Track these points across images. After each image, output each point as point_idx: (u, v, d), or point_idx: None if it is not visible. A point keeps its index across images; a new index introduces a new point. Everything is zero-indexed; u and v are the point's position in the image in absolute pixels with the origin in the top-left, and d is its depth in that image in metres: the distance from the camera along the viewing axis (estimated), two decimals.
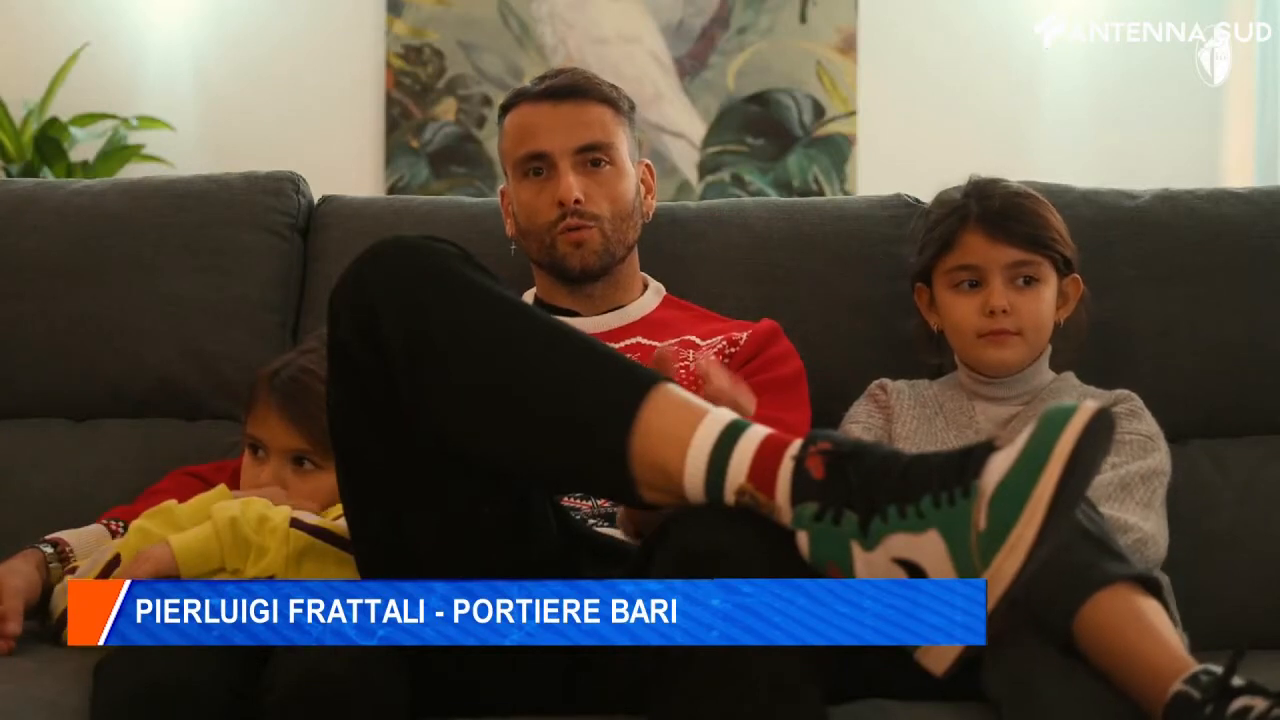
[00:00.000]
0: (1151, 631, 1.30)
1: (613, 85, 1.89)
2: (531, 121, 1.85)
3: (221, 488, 1.58)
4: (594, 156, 1.84)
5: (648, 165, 1.94)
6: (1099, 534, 1.37)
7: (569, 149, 1.82)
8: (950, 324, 1.82)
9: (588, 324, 1.84)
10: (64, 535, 1.63)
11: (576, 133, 1.83)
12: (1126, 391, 1.80)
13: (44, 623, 1.56)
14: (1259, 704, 1.19)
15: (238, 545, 1.47)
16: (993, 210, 1.77)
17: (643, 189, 1.91)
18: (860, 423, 1.82)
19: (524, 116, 1.86)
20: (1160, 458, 1.73)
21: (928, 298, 1.85)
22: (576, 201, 1.80)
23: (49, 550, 1.60)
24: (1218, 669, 1.24)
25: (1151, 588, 1.35)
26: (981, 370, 1.80)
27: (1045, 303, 1.78)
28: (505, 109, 1.90)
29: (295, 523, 1.50)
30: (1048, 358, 1.83)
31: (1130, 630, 1.30)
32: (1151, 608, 1.33)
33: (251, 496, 1.55)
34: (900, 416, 1.81)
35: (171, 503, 1.55)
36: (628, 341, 1.82)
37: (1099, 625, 1.31)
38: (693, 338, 1.82)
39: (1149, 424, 1.77)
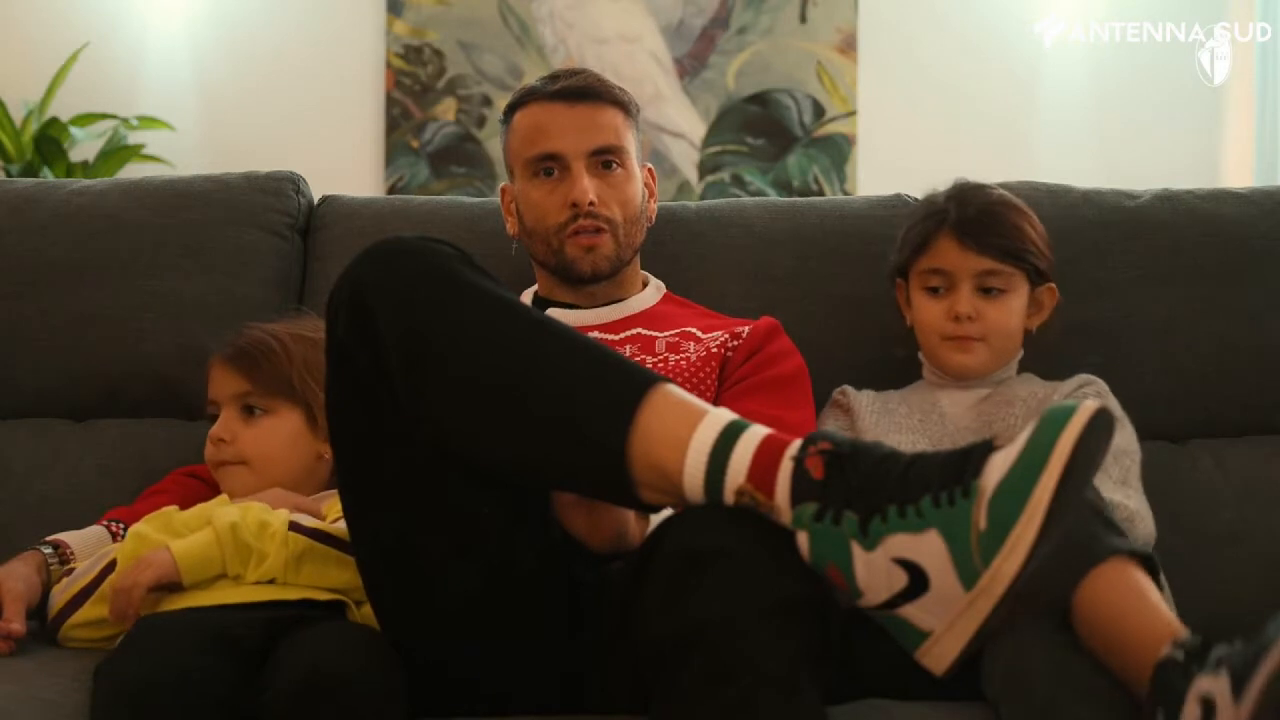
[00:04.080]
0: (1149, 604, 1.30)
1: (621, 88, 1.88)
2: (544, 121, 1.83)
3: (223, 496, 1.58)
4: (606, 159, 1.83)
5: (650, 169, 1.94)
6: (1099, 509, 1.38)
7: (583, 151, 1.82)
8: (918, 324, 1.84)
9: (588, 316, 1.84)
10: (64, 537, 1.63)
11: (591, 135, 1.82)
12: (1089, 376, 1.82)
13: (44, 624, 1.56)
14: (1236, 645, 1.19)
15: (239, 551, 1.47)
16: (968, 218, 1.79)
17: (646, 192, 1.91)
18: (828, 426, 1.84)
19: (536, 116, 1.85)
20: (1127, 437, 1.75)
21: (905, 294, 1.87)
22: (590, 204, 1.80)
23: (49, 551, 1.60)
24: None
25: (1149, 565, 1.35)
26: (946, 372, 1.82)
27: (1012, 312, 1.79)
28: (513, 108, 1.89)
29: (294, 526, 1.50)
30: (1017, 362, 1.84)
31: (1130, 602, 1.30)
32: (1149, 584, 1.33)
33: (251, 502, 1.55)
34: (861, 414, 1.83)
35: (172, 509, 1.55)
36: (628, 333, 1.82)
37: (1098, 597, 1.31)
38: (693, 330, 1.81)
39: (1114, 406, 1.78)
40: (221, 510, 1.51)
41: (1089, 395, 1.76)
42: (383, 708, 1.31)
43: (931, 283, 1.81)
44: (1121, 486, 1.68)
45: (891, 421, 1.81)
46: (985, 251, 1.77)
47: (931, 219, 1.82)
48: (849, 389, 1.88)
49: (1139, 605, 1.31)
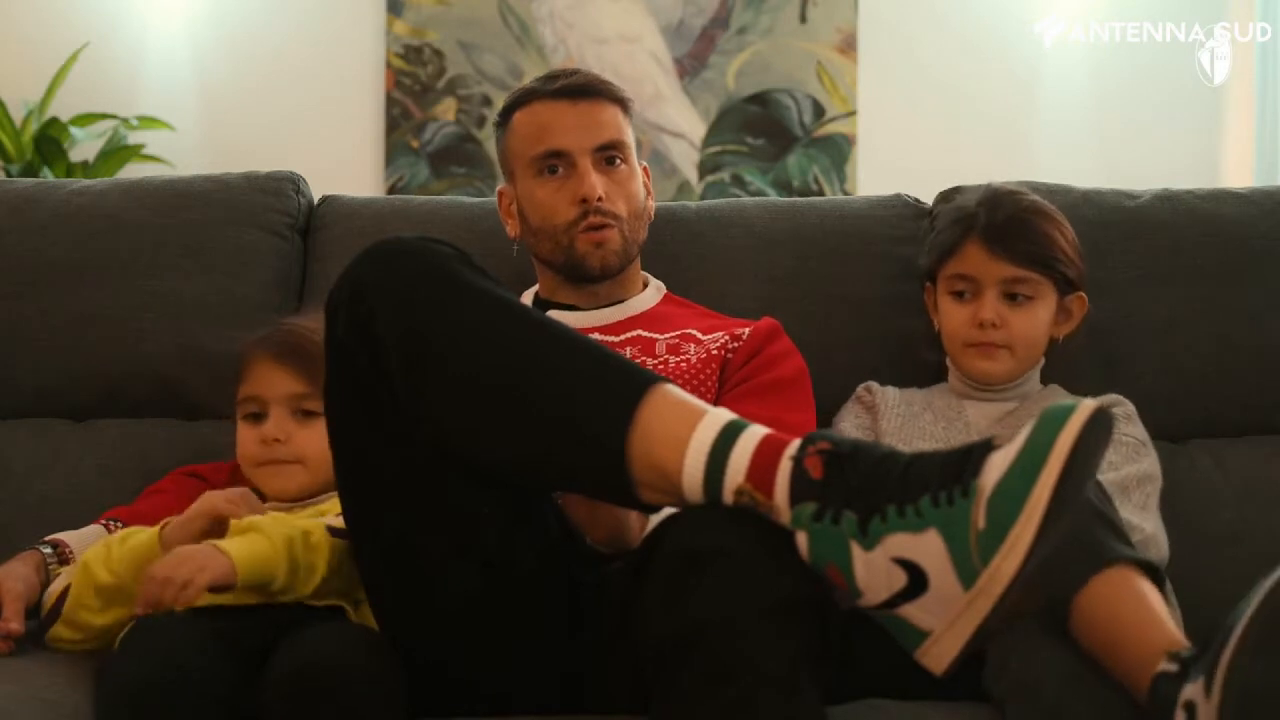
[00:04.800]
0: (1151, 614, 1.31)
1: (618, 85, 1.89)
2: (548, 120, 1.83)
3: (155, 531, 1.52)
4: (610, 155, 1.83)
5: (645, 168, 1.94)
6: (1107, 515, 1.38)
7: (588, 147, 1.82)
8: (944, 329, 1.84)
9: (588, 317, 1.84)
10: (63, 536, 1.64)
11: (595, 132, 1.82)
12: (1118, 396, 1.81)
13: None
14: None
15: (291, 564, 1.45)
16: (997, 224, 1.78)
17: (645, 190, 1.91)
18: (847, 422, 1.83)
19: (539, 115, 1.84)
20: (1152, 462, 1.75)
21: (933, 298, 1.86)
22: (599, 199, 1.80)
23: (48, 551, 1.61)
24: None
25: (1154, 575, 1.35)
26: (969, 378, 1.82)
27: (1038, 320, 1.79)
28: (510, 109, 1.88)
29: (332, 530, 1.49)
30: (1039, 370, 1.84)
31: (1130, 610, 1.31)
32: (1152, 593, 1.33)
33: (275, 513, 1.53)
34: (886, 414, 1.82)
35: (117, 537, 1.51)
36: (628, 335, 1.82)
37: (1099, 602, 1.31)
38: (693, 331, 1.82)
39: (1141, 430, 1.78)
40: (274, 519, 1.48)
41: (1118, 415, 1.75)
42: (381, 705, 1.31)
43: (958, 287, 1.80)
44: (1141, 511, 1.67)
45: (916, 428, 1.80)
46: (1013, 258, 1.76)
47: (961, 224, 1.81)
48: (874, 385, 1.87)
49: (1140, 614, 1.31)
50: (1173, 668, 1.23)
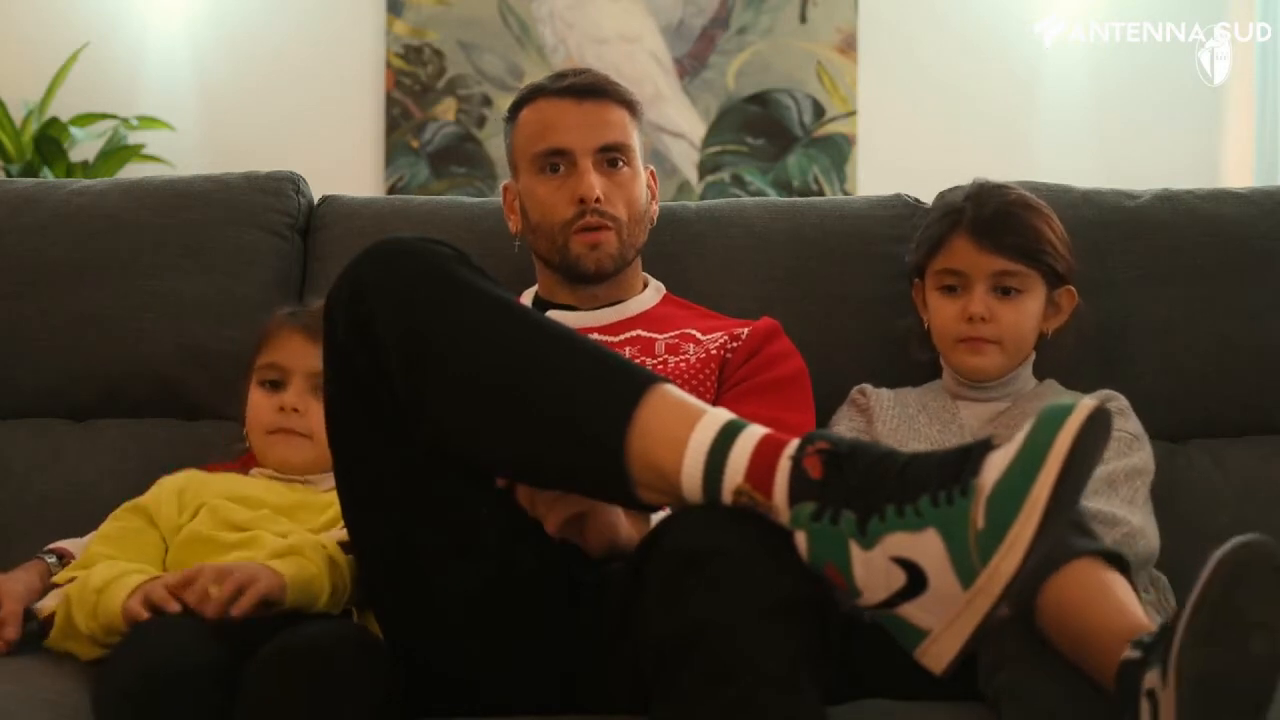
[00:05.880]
0: (1115, 602, 1.30)
1: (627, 88, 1.89)
2: (553, 118, 1.83)
3: (121, 602, 1.46)
4: (613, 157, 1.83)
5: (652, 172, 1.94)
6: (1074, 517, 1.37)
7: (591, 147, 1.82)
8: (934, 325, 1.84)
9: (587, 318, 1.84)
10: (66, 544, 1.64)
11: (599, 132, 1.82)
12: (1112, 391, 1.81)
13: (42, 627, 1.56)
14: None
15: (334, 587, 1.47)
16: (984, 218, 1.78)
17: (649, 193, 1.91)
18: (842, 426, 1.83)
19: (544, 112, 1.85)
20: (1144, 457, 1.74)
21: (922, 295, 1.86)
22: (597, 200, 1.80)
23: (52, 560, 1.61)
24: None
25: (1116, 563, 1.35)
26: (960, 374, 1.81)
27: (1027, 314, 1.78)
28: (518, 105, 1.88)
29: (342, 546, 1.49)
30: (1030, 364, 1.84)
31: (1093, 602, 1.30)
32: (1116, 581, 1.32)
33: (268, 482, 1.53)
34: (881, 416, 1.82)
35: (95, 583, 1.47)
36: (627, 335, 1.82)
37: (1063, 598, 1.31)
38: (693, 332, 1.82)
39: (1134, 424, 1.78)
40: (302, 539, 1.48)
41: (1110, 410, 1.75)
42: (363, 686, 1.31)
43: (946, 282, 1.80)
44: (1128, 505, 1.67)
45: (911, 430, 1.79)
46: (1001, 251, 1.76)
47: (948, 218, 1.81)
48: (869, 388, 1.87)
49: (1102, 605, 1.30)
50: (1136, 654, 1.22)
